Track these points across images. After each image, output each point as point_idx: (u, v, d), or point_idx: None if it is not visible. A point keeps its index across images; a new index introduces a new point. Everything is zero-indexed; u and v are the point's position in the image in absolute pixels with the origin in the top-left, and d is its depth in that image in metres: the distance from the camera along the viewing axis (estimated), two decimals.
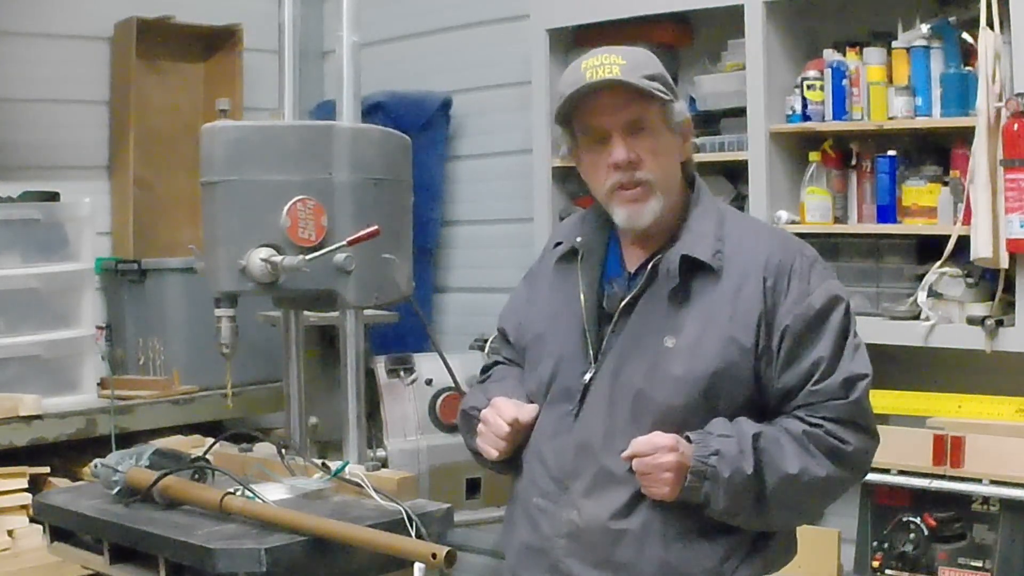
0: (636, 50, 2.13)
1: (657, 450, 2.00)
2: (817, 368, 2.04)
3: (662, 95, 2.06)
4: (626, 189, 2.07)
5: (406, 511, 2.37)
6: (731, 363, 2.04)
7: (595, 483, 2.08)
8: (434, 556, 2.06)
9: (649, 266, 2.10)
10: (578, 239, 2.20)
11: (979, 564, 2.83)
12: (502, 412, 2.16)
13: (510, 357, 2.35)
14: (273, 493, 2.50)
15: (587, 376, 2.11)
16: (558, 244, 2.26)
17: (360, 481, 2.53)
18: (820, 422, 2.04)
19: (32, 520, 3.14)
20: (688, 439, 2.02)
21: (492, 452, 2.19)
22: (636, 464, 2.02)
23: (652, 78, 2.06)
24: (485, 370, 2.43)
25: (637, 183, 2.06)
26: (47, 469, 3.34)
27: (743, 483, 2.00)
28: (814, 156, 3.24)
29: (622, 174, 2.06)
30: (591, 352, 2.12)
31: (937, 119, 3.03)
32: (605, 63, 2.04)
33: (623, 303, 2.11)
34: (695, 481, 2.00)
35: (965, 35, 2.96)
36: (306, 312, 3.04)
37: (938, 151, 3.12)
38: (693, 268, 2.07)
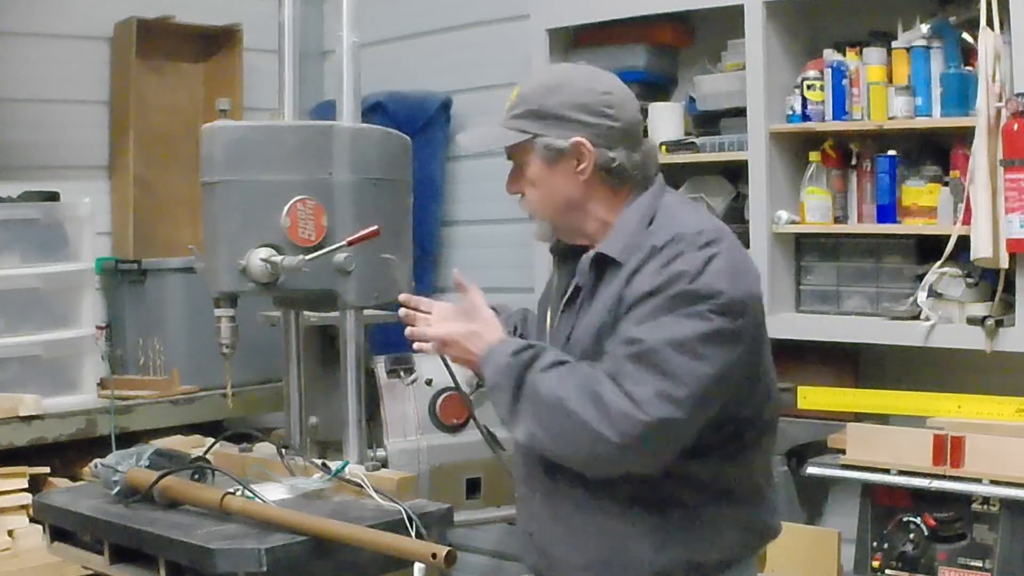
0: (535, 78, 2.30)
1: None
2: (631, 342, 2.06)
3: (513, 136, 2.19)
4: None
5: (406, 511, 2.37)
6: (597, 351, 2.12)
7: (528, 475, 2.28)
8: (434, 556, 2.06)
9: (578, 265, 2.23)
10: (556, 241, 2.34)
11: (979, 564, 2.82)
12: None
13: None
14: (273, 493, 2.50)
15: None
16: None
17: (360, 481, 2.53)
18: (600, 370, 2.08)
19: (32, 520, 3.14)
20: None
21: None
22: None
23: (520, 116, 2.19)
24: None
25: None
26: (47, 469, 3.34)
27: (504, 380, 2.13)
28: (814, 156, 3.24)
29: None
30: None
31: (937, 119, 3.03)
32: (509, 100, 2.24)
33: (563, 299, 2.25)
34: (480, 363, 2.20)
35: (965, 35, 2.96)
36: (306, 312, 3.04)
37: (938, 151, 3.12)
38: (607, 263, 2.17)
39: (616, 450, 2.02)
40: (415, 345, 2.32)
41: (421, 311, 2.34)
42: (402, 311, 2.37)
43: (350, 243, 2.62)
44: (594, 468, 2.11)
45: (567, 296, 2.24)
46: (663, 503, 2.14)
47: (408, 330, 2.33)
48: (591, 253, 2.19)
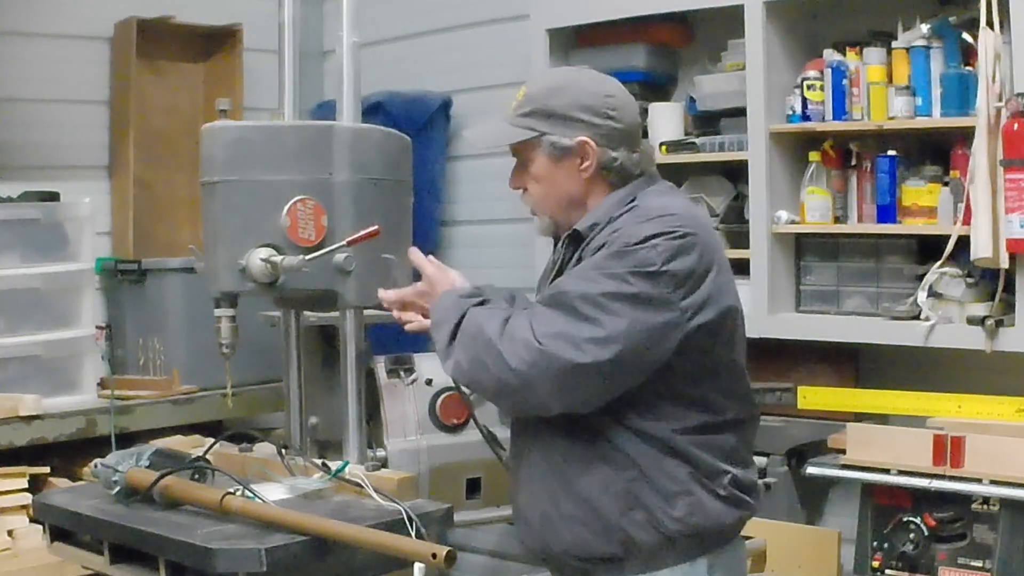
0: (548, 78, 2.42)
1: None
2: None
3: (520, 134, 2.28)
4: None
5: (406, 511, 2.37)
6: None
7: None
8: (434, 556, 2.06)
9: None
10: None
11: (979, 564, 2.83)
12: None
13: None
14: (273, 493, 2.49)
15: None
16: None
17: (360, 481, 2.53)
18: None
19: (32, 520, 3.14)
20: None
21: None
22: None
23: (527, 115, 2.28)
24: None
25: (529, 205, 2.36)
26: (47, 469, 3.34)
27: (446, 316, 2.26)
28: (814, 156, 3.24)
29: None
30: None
31: (937, 119, 3.03)
32: (515, 98, 2.32)
33: (551, 278, 2.36)
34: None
35: (965, 35, 2.97)
36: (306, 312, 3.04)
37: (938, 151, 3.12)
38: (580, 239, 2.29)
39: (515, 377, 2.13)
40: (394, 313, 2.49)
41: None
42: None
43: (350, 243, 2.62)
44: (504, 397, 2.23)
45: (553, 273, 2.36)
46: (624, 462, 2.21)
47: (379, 292, 2.50)
48: (568, 231, 2.32)
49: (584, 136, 2.26)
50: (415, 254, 2.44)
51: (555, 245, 2.44)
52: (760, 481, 2.77)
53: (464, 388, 2.32)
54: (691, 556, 2.22)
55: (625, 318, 2.12)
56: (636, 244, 2.15)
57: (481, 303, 2.28)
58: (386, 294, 2.48)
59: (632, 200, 2.27)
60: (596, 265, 2.17)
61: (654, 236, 2.15)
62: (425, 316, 2.39)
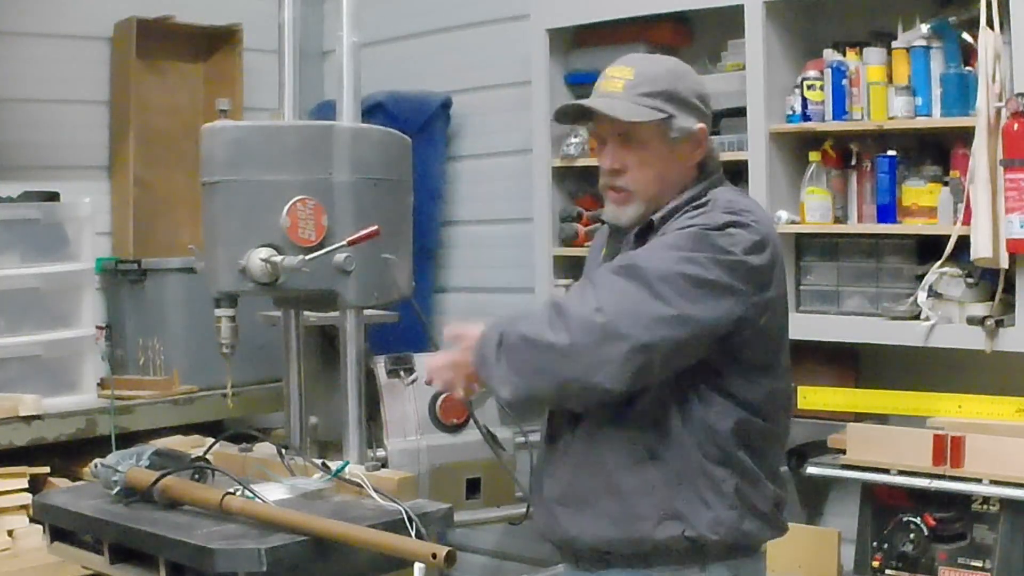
0: (657, 62, 2.35)
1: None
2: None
3: (647, 114, 2.21)
4: (612, 190, 2.29)
5: (406, 511, 2.37)
6: None
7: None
8: (434, 556, 2.06)
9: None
10: (602, 217, 2.40)
11: (979, 564, 2.83)
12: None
13: None
14: (273, 493, 2.49)
15: None
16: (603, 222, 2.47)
17: (360, 481, 2.53)
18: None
19: (32, 520, 3.14)
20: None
21: None
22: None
23: (653, 95, 2.22)
24: None
25: (620, 188, 2.28)
26: (47, 469, 3.34)
27: (488, 343, 2.14)
28: (814, 156, 3.24)
29: (608, 178, 2.30)
30: None
31: (937, 119, 3.03)
32: (616, 76, 2.26)
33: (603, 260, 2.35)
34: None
35: (965, 35, 2.96)
36: (306, 312, 3.04)
37: (938, 151, 3.11)
38: (650, 229, 2.27)
39: (575, 359, 2.05)
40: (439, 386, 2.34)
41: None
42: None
43: (350, 243, 2.62)
44: (569, 392, 2.12)
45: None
46: (675, 464, 2.18)
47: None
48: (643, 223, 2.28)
49: (702, 123, 2.26)
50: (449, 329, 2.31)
51: (611, 231, 2.40)
52: None
53: (531, 403, 2.20)
54: (717, 561, 2.22)
55: (699, 303, 2.09)
56: (714, 230, 2.13)
57: (514, 319, 2.19)
58: (427, 364, 2.31)
59: (705, 196, 2.25)
60: (673, 245, 2.14)
61: (732, 225, 2.14)
62: (464, 371, 2.23)
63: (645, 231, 2.27)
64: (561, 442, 2.30)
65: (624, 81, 2.24)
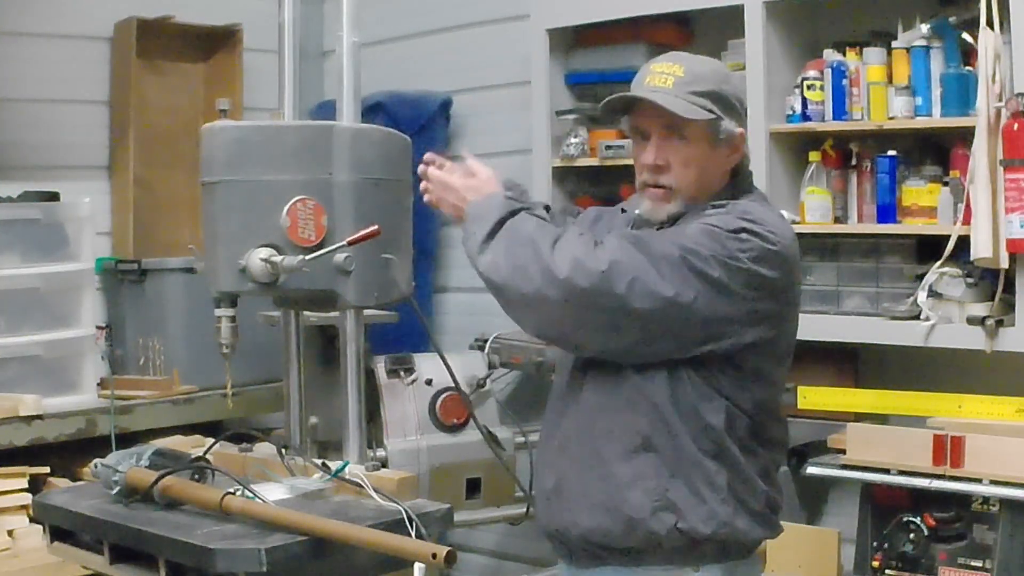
0: (705, 63, 2.32)
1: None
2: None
3: (698, 113, 2.19)
4: (652, 187, 2.28)
5: (406, 511, 2.37)
6: None
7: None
8: (434, 556, 2.06)
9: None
10: (637, 212, 2.37)
11: (979, 564, 2.83)
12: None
13: None
14: (273, 493, 2.49)
15: None
16: (624, 211, 2.45)
17: (360, 481, 2.53)
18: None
19: (32, 520, 3.14)
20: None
21: None
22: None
23: (703, 94, 2.21)
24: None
25: (661, 185, 2.26)
26: (47, 469, 3.34)
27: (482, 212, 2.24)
28: (814, 156, 3.24)
29: (650, 174, 2.27)
30: None
31: (937, 119, 3.03)
32: (665, 72, 2.23)
33: None
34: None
35: (965, 35, 2.96)
36: (306, 312, 3.04)
37: (938, 151, 3.12)
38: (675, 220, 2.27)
39: (560, 293, 2.09)
40: (421, 187, 2.42)
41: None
42: (421, 167, 2.45)
43: (350, 243, 2.62)
44: (536, 311, 2.16)
45: None
46: (668, 457, 2.20)
47: (419, 168, 2.44)
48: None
49: (743, 129, 2.27)
50: (471, 159, 2.39)
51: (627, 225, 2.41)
52: None
53: (495, 287, 2.23)
54: (711, 562, 2.22)
55: (695, 293, 2.11)
56: (727, 231, 2.15)
57: (526, 207, 2.24)
58: (438, 174, 2.39)
59: (728, 203, 2.26)
60: (684, 234, 2.16)
61: (745, 231, 2.15)
62: (457, 205, 2.33)
63: (661, 224, 2.28)
64: (558, 431, 2.32)
65: (674, 78, 2.22)
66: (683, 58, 2.28)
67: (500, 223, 2.20)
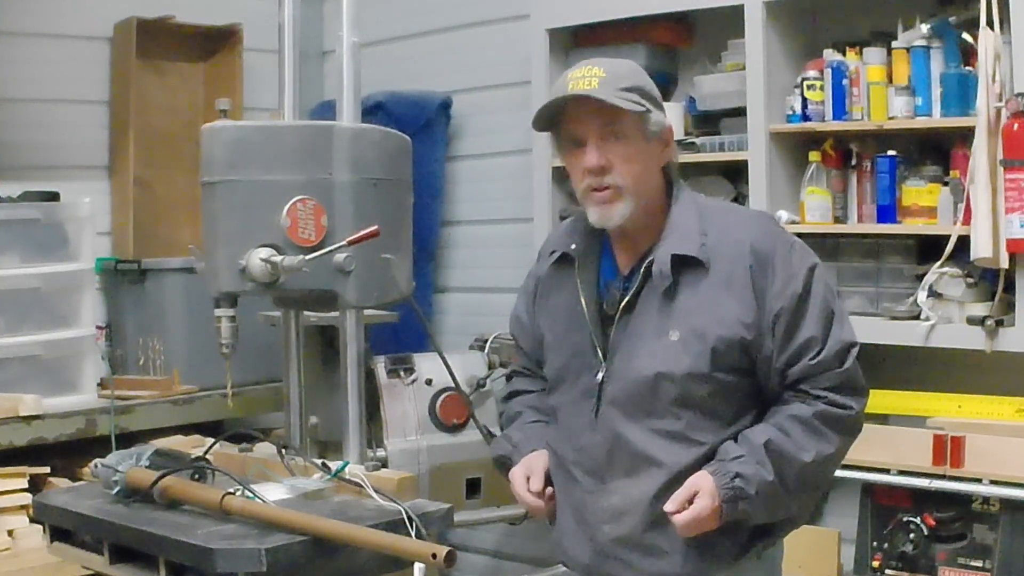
0: (620, 62, 2.30)
1: (692, 496, 2.15)
2: (811, 345, 2.19)
3: (635, 106, 2.19)
4: (598, 191, 2.23)
5: (406, 511, 2.37)
6: (733, 342, 2.18)
7: (633, 467, 2.23)
8: (434, 556, 2.06)
9: (643, 267, 2.24)
10: (572, 246, 2.34)
11: (979, 564, 2.83)
12: (522, 494, 2.37)
13: (526, 365, 2.54)
14: (273, 493, 2.49)
15: (599, 375, 2.26)
16: (553, 252, 2.40)
17: (360, 481, 2.53)
18: (823, 394, 2.19)
19: (32, 520, 3.14)
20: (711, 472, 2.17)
21: (541, 511, 2.39)
22: (678, 521, 2.15)
23: (629, 90, 2.20)
24: (510, 381, 2.64)
25: (607, 187, 2.22)
26: (47, 469, 3.34)
27: (770, 489, 2.15)
28: (814, 156, 3.24)
29: (594, 178, 2.22)
30: (600, 352, 2.27)
31: (937, 119, 3.03)
32: (587, 75, 2.20)
33: (622, 304, 2.25)
34: (730, 510, 2.15)
35: (965, 35, 2.96)
36: (306, 312, 3.04)
37: (938, 151, 3.12)
38: (683, 264, 2.21)
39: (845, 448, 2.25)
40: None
41: None
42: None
43: (350, 243, 2.62)
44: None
45: (626, 301, 2.25)
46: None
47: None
48: (667, 254, 2.20)
49: (670, 123, 2.28)
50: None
51: (557, 271, 2.36)
52: None
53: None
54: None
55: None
56: (789, 251, 2.22)
57: (771, 451, 2.18)
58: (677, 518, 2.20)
59: (695, 205, 2.27)
60: (818, 305, 2.20)
61: (796, 244, 2.26)
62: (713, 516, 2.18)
63: (679, 264, 2.20)
64: (614, 464, 2.26)
65: (598, 79, 2.19)
66: (600, 61, 2.25)
67: (781, 482, 2.17)
